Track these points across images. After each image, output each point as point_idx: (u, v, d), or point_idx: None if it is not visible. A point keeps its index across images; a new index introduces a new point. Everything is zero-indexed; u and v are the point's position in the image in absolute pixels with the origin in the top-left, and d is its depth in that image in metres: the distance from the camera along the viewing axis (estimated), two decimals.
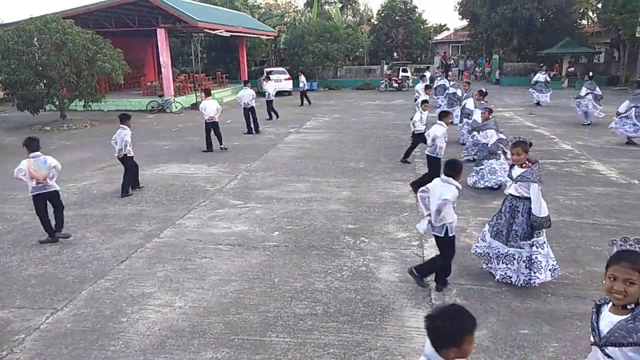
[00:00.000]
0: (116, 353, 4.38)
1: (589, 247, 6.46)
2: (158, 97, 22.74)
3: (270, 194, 9.17)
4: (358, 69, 36.93)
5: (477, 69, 39.46)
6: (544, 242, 5.27)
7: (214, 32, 24.19)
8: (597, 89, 16.02)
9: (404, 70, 32.45)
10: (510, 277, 5.38)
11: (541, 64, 24.55)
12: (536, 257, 5.20)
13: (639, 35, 24.39)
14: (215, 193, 9.28)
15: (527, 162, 5.20)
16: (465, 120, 12.67)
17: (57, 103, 18.68)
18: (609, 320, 2.43)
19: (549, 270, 5.25)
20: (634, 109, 12.68)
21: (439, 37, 51.46)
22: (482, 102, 11.83)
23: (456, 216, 5.29)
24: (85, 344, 4.53)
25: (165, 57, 22.29)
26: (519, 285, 5.32)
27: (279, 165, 11.51)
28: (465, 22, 42.37)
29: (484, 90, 12.70)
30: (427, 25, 43.20)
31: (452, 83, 17.20)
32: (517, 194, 5.27)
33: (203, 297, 5.33)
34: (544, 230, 5.24)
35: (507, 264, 5.38)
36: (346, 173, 10.69)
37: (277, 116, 19.19)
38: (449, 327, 2.15)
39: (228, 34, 25.58)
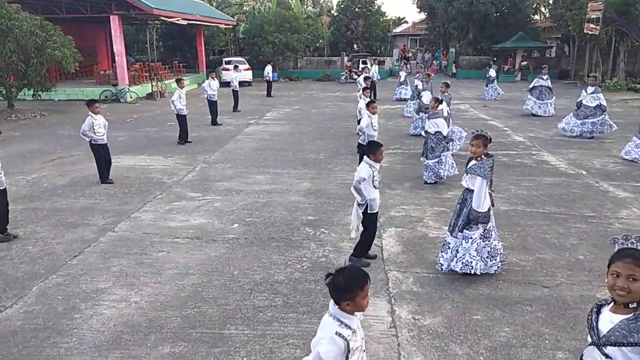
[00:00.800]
0: (69, 350, 4.26)
1: (538, 235, 6.73)
2: (112, 87, 22.02)
3: (229, 186, 9.08)
4: (319, 60, 36.90)
5: (434, 62, 40.17)
6: (473, 238, 5.29)
7: (170, 19, 23.59)
8: (549, 81, 16.76)
9: (364, 62, 32.65)
10: (442, 265, 5.55)
11: (494, 58, 25.24)
12: (462, 247, 5.37)
13: (586, 32, 25.40)
14: (173, 185, 9.11)
15: (482, 157, 5.25)
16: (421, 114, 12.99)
17: (3, 92, 17.80)
18: (609, 320, 2.38)
19: (461, 262, 5.33)
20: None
21: (398, 30, 52.06)
22: (446, 94, 12.03)
23: (378, 194, 5.65)
24: (36, 342, 4.38)
25: (119, 45, 21.57)
26: (442, 270, 5.53)
27: (238, 157, 11.40)
28: (423, 16, 43.05)
29: (448, 82, 12.94)
30: (386, 18, 43.54)
31: (416, 75, 17.52)
32: (466, 186, 5.38)
33: (160, 292, 5.24)
34: (480, 226, 5.28)
35: (445, 252, 5.56)
36: (306, 164, 10.71)
37: (236, 109, 18.98)
38: (345, 284, 2.48)
39: (185, 22, 25.01)
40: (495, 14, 33.35)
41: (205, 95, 15.73)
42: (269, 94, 23.74)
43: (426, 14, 40.84)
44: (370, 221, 5.71)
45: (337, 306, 2.53)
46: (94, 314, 4.82)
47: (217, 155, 11.57)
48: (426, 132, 9.38)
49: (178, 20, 23.78)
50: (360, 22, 38.10)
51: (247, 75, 28.34)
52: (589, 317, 2.47)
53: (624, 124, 14.05)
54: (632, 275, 2.27)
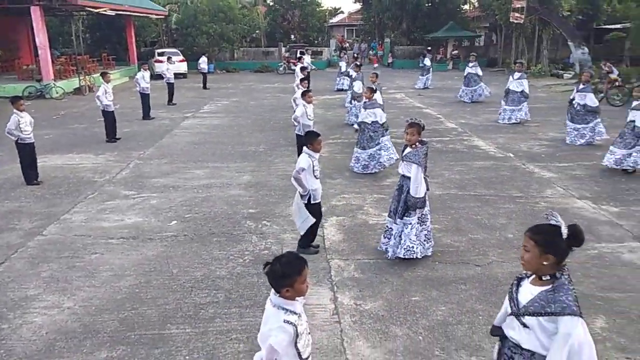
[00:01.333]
0: None
1: (470, 217, 7.05)
2: (36, 82, 20.69)
3: (166, 182, 8.83)
4: (256, 51, 36.48)
5: (370, 52, 40.75)
6: (412, 224, 5.46)
7: (96, 10, 22.45)
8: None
9: (302, 53, 32.60)
10: (388, 252, 5.68)
11: (428, 48, 26.00)
12: (403, 234, 5.54)
13: (512, 20, 26.66)
14: (105, 184, 8.74)
15: (416, 144, 5.39)
16: (354, 102, 13.20)
17: None
18: (529, 292, 2.53)
19: (404, 249, 5.51)
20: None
21: (334, 20, 52.25)
22: (377, 83, 12.20)
23: (319, 184, 5.75)
24: None
25: (41, 38, 20.26)
26: (389, 257, 5.64)
27: (175, 152, 11.10)
28: (358, 6, 43.47)
29: (377, 72, 13.04)
30: (322, 8, 43.65)
31: (350, 65, 17.66)
32: (402, 173, 5.53)
33: (94, 295, 5.04)
34: (417, 211, 5.46)
35: (387, 238, 5.71)
36: (246, 157, 10.60)
37: (171, 102, 18.45)
38: (282, 271, 2.52)
39: (113, 13, 23.89)
40: (427, 4, 34.27)
41: (138, 88, 15.15)
42: (204, 86, 23.22)
43: (361, 4, 41.26)
44: (313, 211, 5.74)
45: (278, 294, 2.56)
46: (24, 323, 4.56)
47: (152, 151, 11.21)
48: (362, 122, 9.44)
49: (105, 10, 22.67)
50: (296, 13, 37.98)
51: (182, 67, 27.55)
52: (510, 289, 2.65)
53: (547, 108, 14.93)
54: (525, 246, 2.54)
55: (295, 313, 2.56)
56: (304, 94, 9.40)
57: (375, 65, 17.37)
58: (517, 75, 13.76)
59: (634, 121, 8.77)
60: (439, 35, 33.02)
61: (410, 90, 21.92)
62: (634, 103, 8.90)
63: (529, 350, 2.50)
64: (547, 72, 26.64)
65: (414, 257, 5.51)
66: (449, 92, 20.42)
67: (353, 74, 16.02)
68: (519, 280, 2.66)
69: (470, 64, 17.76)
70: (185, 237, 6.48)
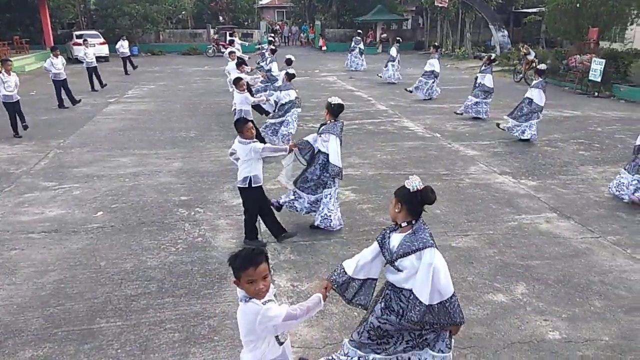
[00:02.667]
0: None
1: None
2: None
3: (90, 171, 8.39)
4: (183, 33, 35.21)
5: (301, 34, 40.57)
6: (331, 194, 5.92)
7: None
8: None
9: (232, 35, 31.88)
10: (297, 208, 6.09)
11: (358, 31, 26.21)
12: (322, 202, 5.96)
13: (437, 4, 27.47)
14: (22, 175, 8.16)
15: (331, 120, 5.81)
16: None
17: None
18: (397, 240, 2.99)
19: (321, 216, 5.97)
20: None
21: (264, 1, 51.41)
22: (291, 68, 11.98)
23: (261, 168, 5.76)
24: None
25: None
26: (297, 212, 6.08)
27: (98, 140, 10.55)
28: None
29: (292, 58, 12.59)
30: None
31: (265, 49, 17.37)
32: (321, 149, 5.82)
33: (16, 293, 4.73)
34: (335, 181, 5.90)
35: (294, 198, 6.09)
36: (176, 143, 10.28)
37: (102, 85, 17.44)
38: (234, 265, 2.49)
39: None
40: None
41: (50, 75, 14.10)
42: (126, 72, 22.01)
43: None
44: (256, 196, 5.65)
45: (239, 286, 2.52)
46: None
47: (73, 139, 10.57)
48: (277, 102, 9.65)
49: None
50: None
51: (103, 50, 26.09)
52: (381, 241, 3.07)
53: (470, 89, 15.52)
54: (391, 201, 3.06)
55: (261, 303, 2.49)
56: (236, 82, 9.22)
57: (271, 47, 16.38)
58: (435, 55, 14.88)
59: (531, 98, 9.89)
60: (368, 19, 33.43)
61: (342, 74, 22.09)
62: (533, 82, 10.05)
63: (407, 290, 2.97)
64: (471, 55, 27.79)
65: (330, 225, 5.92)
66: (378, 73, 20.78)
67: (268, 56, 15.53)
68: (386, 233, 3.09)
69: (394, 48, 18.47)
70: (113, 228, 6.21)
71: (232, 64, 13.00)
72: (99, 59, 24.46)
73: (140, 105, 14.69)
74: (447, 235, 5.97)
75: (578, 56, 16.95)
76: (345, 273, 3.23)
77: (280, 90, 9.67)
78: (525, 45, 19.81)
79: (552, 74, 18.62)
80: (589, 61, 16.20)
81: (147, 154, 9.45)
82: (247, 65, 12.25)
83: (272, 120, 9.62)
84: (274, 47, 15.39)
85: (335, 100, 5.80)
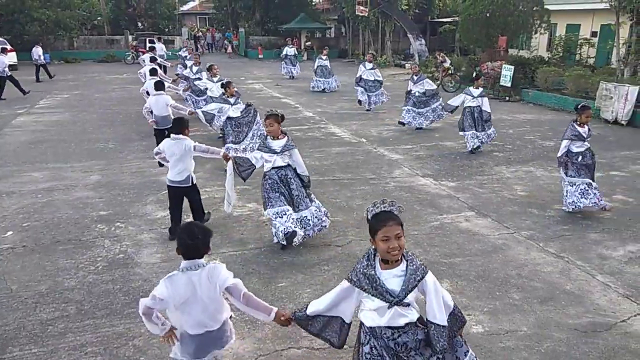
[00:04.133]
0: None
1: (330, 201, 7.35)
2: None
3: None
4: (99, 39, 33.60)
5: (225, 42, 40.08)
6: (315, 201, 6.01)
7: None
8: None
9: (152, 42, 30.85)
10: (310, 235, 5.84)
11: (288, 38, 26.29)
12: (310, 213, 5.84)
13: (358, 13, 28.20)
14: None
15: (281, 134, 5.64)
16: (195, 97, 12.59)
17: None
18: (391, 277, 2.63)
19: (317, 228, 5.91)
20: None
21: (185, 7, 50.30)
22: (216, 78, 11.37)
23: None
24: None
25: None
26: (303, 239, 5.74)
27: (6, 154, 9.78)
28: None
29: (215, 66, 12.03)
30: None
31: (189, 56, 16.66)
32: (284, 164, 5.67)
33: None
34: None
35: (305, 227, 5.74)
36: (93, 155, 9.74)
37: (24, 92, 16.26)
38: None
39: None
40: None
41: None
42: (39, 79, 20.70)
43: None
44: (197, 191, 6.31)
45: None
46: None
47: None
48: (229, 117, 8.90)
49: None
50: None
51: (10, 58, 24.21)
52: (375, 284, 2.62)
53: (393, 95, 16.04)
54: (397, 234, 2.58)
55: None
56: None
57: (192, 54, 15.91)
58: (369, 65, 14.55)
59: (479, 106, 9.89)
60: (292, 27, 33.65)
61: (268, 81, 22.04)
62: (476, 91, 9.93)
63: (421, 322, 2.73)
64: (392, 62, 28.78)
65: (325, 226, 5.97)
66: (305, 81, 20.96)
67: (192, 65, 14.67)
68: (365, 272, 2.66)
69: (324, 57, 18.45)
70: (25, 248, 5.76)
71: (148, 84, 12.10)
72: None
73: (53, 116, 13.80)
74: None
75: (489, 63, 18.06)
76: (305, 309, 2.96)
77: (231, 104, 8.90)
78: (442, 54, 20.81)
79: (467, 80, 19.72)
80: (499, 68, 17.31)
81: (62, 168, 8.89)
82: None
83: (234, 146, 8.66)
84: (198, 54, 14.95)
85: (278, 111, 5.68)
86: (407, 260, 2.67)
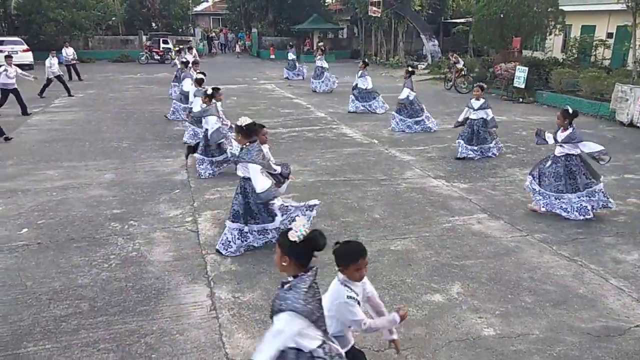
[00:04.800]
0: None
1: (342, 201, 7.35)
2: None
3: (13, 186, 7.86)
4: (113, 39, 33.94)
5: (238, 42, 40.28)
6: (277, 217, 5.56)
7: None
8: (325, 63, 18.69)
9: (165, 42, 31.15)
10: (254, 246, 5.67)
11: (290, 43, 26.29)
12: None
13: (370, 14, 28.17)
14: None
15: (246, 144, 5.33)
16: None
17: None
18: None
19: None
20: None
21: (199, 8, 50.66)
22: (201, 88, 9.71)
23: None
24: None
25: None
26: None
27: (22, 152, 9.92)
28: None
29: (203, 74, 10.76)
30: None
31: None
32: (242, 175, 5.46)
33: None
34: (275, 201, 5.49)
35: (241, 240, 5.64)
36: (108, 154, 9.85)
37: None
38: (346, 257, 2.92)
39: None
40: None
41: None
42: (70, 78, 20.81)
43: None
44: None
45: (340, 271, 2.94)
46: None
47: None
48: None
49: None
50: (156, 0, 36.02)
51: (27, 58, 24.60)
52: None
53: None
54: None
55: (353, 291, 2.92)
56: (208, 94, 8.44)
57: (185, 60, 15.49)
58: (359, 73, 14.51)
59: (483, 118, 9.47)
60: (305, 27, 33.72)
61: (280, 81, 22.11)
62: (477, 102, 9.49)
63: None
64: (404, 63, 28.66)
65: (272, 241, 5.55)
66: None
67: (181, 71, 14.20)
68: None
69: (319, 57, 18.65)
70: (39, 245, 5.84)
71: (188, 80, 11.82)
72: (22, 66, 23.12)
73: (68, 115, 13.98)
74: (386, 239, 6.10)
75: (503, 64, 17.93)
76: None
77: (203, 116, 8.36)
78: (455, 55, 20.70)
79: (480, 81, 19.60)
80: (513, 69, 17.18)
81: (76, 166, 9.00)
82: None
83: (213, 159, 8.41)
84: (185, 60, 13.90)
85: (244, 121, 5.27)
86: (290, 286, 2.58)
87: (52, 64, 17.09)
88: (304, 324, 2.49)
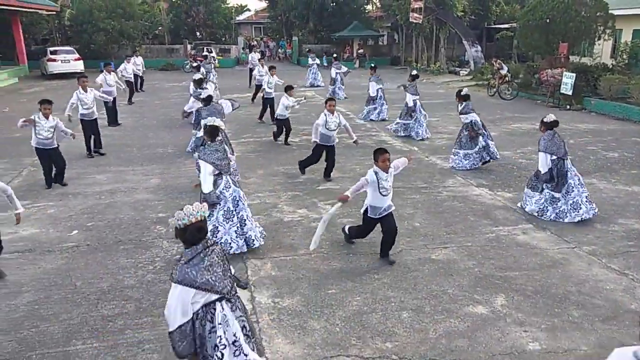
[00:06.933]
0: None
1: None
2: None
3: (64, 189, 8.23)
4: (159, 48, 35.02)
5: (279, 50, 40.81)
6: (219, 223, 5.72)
7: None
8: (343, 67, 19.19)
9: (209, 51, 31.90)
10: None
11: (309, 51, 26.48)
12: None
13: (412, 20, 27.97)
14: None
15: (209, 142, 5.76)
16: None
17: None
18: None
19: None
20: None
21: (241, 17, 51.66)
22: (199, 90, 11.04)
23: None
24: None
25: None
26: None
27: (73, 157, 10.30)
28: (265, 4, 43.28)
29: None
30: (228, 5, 42.91)
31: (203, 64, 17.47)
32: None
33: None
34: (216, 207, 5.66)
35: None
36: (153, 160, 10.16)
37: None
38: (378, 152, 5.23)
39: None
40: (332, 3, 34.92)
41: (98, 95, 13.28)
42: (141, 88, 21.19)
43: (267, 2, 41.13)
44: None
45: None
46: None
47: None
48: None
49: None
50: (201, 9, 36.95)
51: (78, 66, 25.73)
52: None
53: (446, 103, 15.84)
54: None
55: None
56: (326, 102, 8.74)
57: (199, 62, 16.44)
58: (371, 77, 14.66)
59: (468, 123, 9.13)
60: (345, 34, 33.81)
61: (320, 89, 22.23)
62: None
63: None
64: (445, 70, 28.29)
65: (231, 252, 5.61)
66: (356, 89, 20.98)
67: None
68: None
69: (336, 64, 19.28)
70: (89, 246, 6.08)
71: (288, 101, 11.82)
72: (73, 75, 24.16)
73: None
74: (427, 248, 6.01)
75: (549, 70, 17.41)
76: None
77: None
78: (498, 60, 20.27)
79: (525, 88, 19.10)
80: (560, 75, 16.65)
81: (124, 171, 9.32)
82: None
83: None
84: (212, 65, 14.83)
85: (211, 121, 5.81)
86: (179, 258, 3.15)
87: (125, 68, 17.87)
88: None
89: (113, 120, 13.65)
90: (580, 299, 4.88)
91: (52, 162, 8.36)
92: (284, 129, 11.46)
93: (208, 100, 8.85)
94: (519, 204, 7.36)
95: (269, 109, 14.07)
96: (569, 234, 6.44)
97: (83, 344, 4.18)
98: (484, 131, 9.28)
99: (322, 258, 5.74)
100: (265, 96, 14.10)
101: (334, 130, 8.62)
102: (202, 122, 8.08)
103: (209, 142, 5.80)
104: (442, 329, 4.39)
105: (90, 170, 9.33)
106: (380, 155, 5.36)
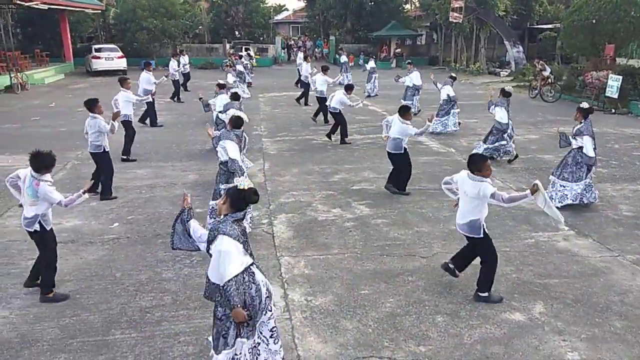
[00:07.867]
0: None
1: (416, 210, 7.23)
2: None
3: None
4: (199, 47, 35.69)
5: (316, 49, 40.92)
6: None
7: (27, 3, 21.20)
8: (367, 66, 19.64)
9: (247, 50, 32.29)
10: None
11: (340, 48, 26.42)
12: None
13: (451, 20, 27.54)
14: None
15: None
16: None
17: None
18: None
19: None
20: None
21: (279, 17, 52.07)
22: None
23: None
24: None
25: None
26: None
27: (114, 152, 10.49)
28: (303, 4, 43.50)
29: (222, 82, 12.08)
30: (266, 5, 43.34)
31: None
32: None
33: (32, 303, 4.78)
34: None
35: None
36: (192, 156, 10.37)
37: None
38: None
39: (45, 7, 22.66)
40: (370, 3, 34.76)
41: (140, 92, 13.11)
42: (177, 97, 21.38)
43: (305, 2, 41.31)
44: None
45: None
46: None
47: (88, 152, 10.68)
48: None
49: (37, 4, 21.45)
50: (240, 9, 37.46)
51: (122, 64, 26.53)
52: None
53: (485, 104, 15.43)
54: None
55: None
56: (402, 113, 8.47)
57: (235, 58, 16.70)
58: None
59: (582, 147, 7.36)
60: (383, 34, 33.59)
61: (356, 87, 22.12)
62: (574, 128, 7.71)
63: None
64: (485, 70, 27.71)
65: None
66: (393, 89, 20.80)
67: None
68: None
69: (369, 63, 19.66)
70: (128, 239, 6.26)
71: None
72: (116, 72, 24.90)
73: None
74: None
75: (594, 72, 16.80)
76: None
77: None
78: (541, 62, 19.71)
79: (568, 90, 18.50)
80: (605, 78, 16.04)
81: (163, 166, 9.55)
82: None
83: None
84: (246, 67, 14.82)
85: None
86: (223, 220, 3.44)
87: (172, 66, 18.29)
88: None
89: (153, 120, 13.74)
90: (624, 309, 4.69)
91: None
92: (337, 125, 11.66)
93: (235, 97, 9.94)
94: (556, 204, 6.92)
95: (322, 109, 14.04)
96: (612, 241, 6.21)
97: (122, 334, 4.31)
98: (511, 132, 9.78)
99: (355, 258, 5.72)
100: (317, 95, 14.37)
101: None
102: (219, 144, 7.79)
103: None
104: (478, 334, 4.31)
105: (131, 165, 9.60)
106: (484, 163, 4.91)
